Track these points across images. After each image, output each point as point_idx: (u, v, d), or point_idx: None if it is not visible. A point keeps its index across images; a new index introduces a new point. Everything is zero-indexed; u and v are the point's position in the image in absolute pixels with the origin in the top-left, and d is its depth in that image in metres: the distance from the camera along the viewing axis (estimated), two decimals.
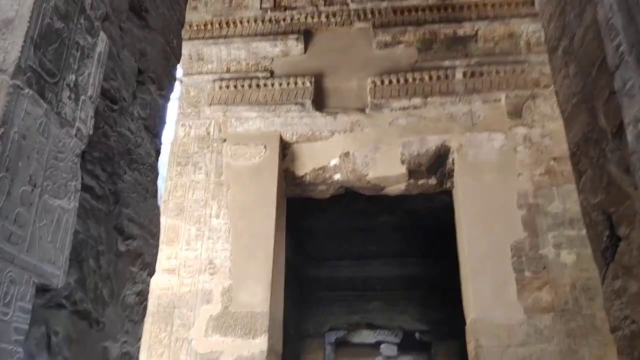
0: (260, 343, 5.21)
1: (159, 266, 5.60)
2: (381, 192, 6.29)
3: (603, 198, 2.73)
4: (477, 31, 6.17)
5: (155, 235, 3.25)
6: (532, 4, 5.75)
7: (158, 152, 3.27)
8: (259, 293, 5.42)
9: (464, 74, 6.04)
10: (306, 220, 8.79)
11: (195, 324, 5.36)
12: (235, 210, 5.82)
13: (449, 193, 7.42)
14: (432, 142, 5.90)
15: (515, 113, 5.88)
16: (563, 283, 5.16)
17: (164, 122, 3.22)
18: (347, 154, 6.01)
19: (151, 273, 3.11)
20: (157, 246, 3.31)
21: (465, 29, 6.18)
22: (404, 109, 6.06)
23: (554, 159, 5.64)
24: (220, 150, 6.12)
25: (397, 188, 6.18)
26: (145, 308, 3.03)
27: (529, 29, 6.06)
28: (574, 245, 5.28)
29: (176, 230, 5.78)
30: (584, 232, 5.38)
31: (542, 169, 5.62)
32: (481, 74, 6.03)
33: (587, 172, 3.01)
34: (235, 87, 6.29)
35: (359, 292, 10.65)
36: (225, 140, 6.16)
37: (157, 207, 3.31)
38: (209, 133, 6.25)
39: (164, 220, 5.86)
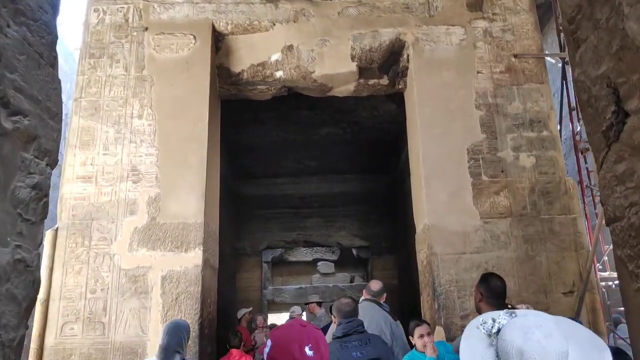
0: (194, 257, 4.64)
1: (71, 173, 4.83)
2: (328, 94, 5.67)
3: (610, 67, 2.24)
4: None
5: (55, 115, 2.51)
6: None
7: (55, 9, 2.53)
8: (192, 202, 4.78)
9: None
10: (241, 134, 8.09)
11: (117, 237, 4.68)
12: (162, 109, 5.04)
13: (397, 100, 6.94)
14: (386, 35, 5.28)
15: (475, 4, 5.33)
16: (521, 187, 4.85)
17: None
18: (290, 48, 5.30)
19: (52, 163, 2.41)
20: (59, 130, 2.56)
21: None
22: None
23: (515, 55, 5.19)
24: (142, 41, 5.23)
25: (345, 89, 5.57)
26: (45, 206, 2.36)
27: None
28: (534, 147, 4.95)
29: (91, 132, 4.96)
30: (544, 133, 5.07)
31: (502, 67, 5.17)
32: None
33: (588, 39, 2.49)
34: None
35: (296, 209, 10.24)
36: (147, 29, 5.27)
37: (58, 81, 2.55)
38: (127, 20, 5.32)
39: (76, 121, 5.03)
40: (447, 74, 5.15)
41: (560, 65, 6.64)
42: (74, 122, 4.99)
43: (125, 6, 5.36)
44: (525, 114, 5.04)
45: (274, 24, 5.33)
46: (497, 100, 5.06)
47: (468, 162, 4.89)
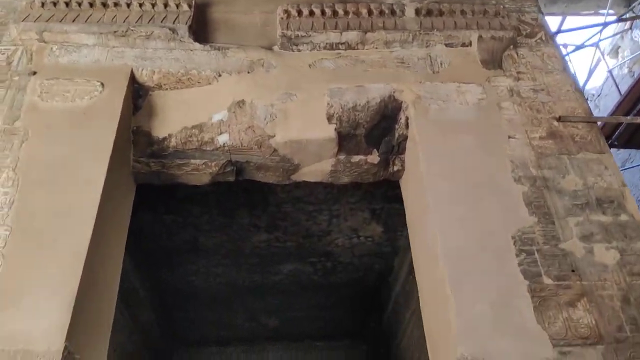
0: None
1: None
2: (294, 177, 3.96)
3: None
4: None
5: None
6: None
7: None
8: (48, 314, 2.69)
9: (417, 12, 4.15)
10: (174, 271, 6.12)
11: None
12: (31, 173, 3.21)
13: (384, 219, 5.31)
14: (376, 91, 3.78)
15: (493, 62, 4.00)
16: (607, 295, 2.96)
17: None
18: (241, 104, 3.72)
19: None
20: None
21: None
22: (332, 47, 3.99)
23: (558, 118, 3.70)
24: (24, 87, 3.60)
25: (319, 170, 3.89)
26: None
27: None
28: (612, 237, 3.18)
29: None
30: (622, 217, 3.29)
31: (542, 132, 3.64)
32: (441, 13, 4.17)
33: None
34: (67, 3, 3.95)
35: None
36: (34, 74, 3.67)
37: None
38: (10, 63, 3.75)
39: None
40: (466, 138, 3.57)
41: None
42: None
43: (12, 48, 3.83)
44: (589, 192, 3.37)
45: (220, 75, 3.82)
46: (544, 172, 3.43)
47: (517, 255, 3.05)
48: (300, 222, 5.43)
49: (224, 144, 3.69)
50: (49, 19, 3.84)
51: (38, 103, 3.51)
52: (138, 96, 3.80)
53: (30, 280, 2.81)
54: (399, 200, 4.76)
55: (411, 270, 5.60)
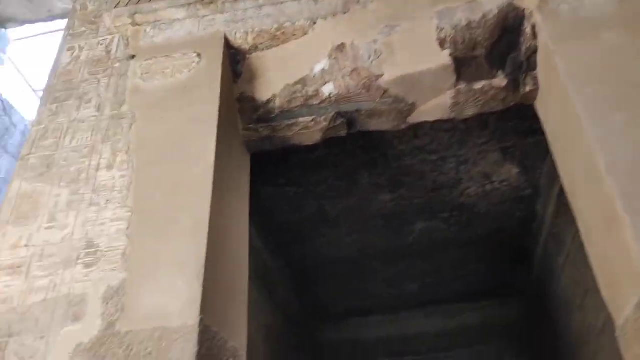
0: None
1: None
2: (410, 120, 3.58)
3: None
4: None
5: None
6: None
7: None
8: (178, 289, 2.59)
9: None
10: (305, 245, 6.00)
11: None
12: (143, 153, 3.15)
13: (519, 159, 4.78)
14: (491, 3, 3.28)
15: None
16: None
17: None
18: (341, 48, 3.41)
19: None
20: None
21: None
22: None
23: None
24: (125, 72, 3.57)
25: (436, 106, 3.47)
26: None
27: None
28: None
29: (35, 199, 3.09)
30: None
31: None
32: None
33: None
34: None
35: (399, 357, 7.49)
36: (133, 57, 3.64)
37: None
38: (109, 52, 3.75)
39: (16, 187, 3.19)
40: (610, 36, 2.96)
41: None
42: (12, 189, 3.17)
43: (109, 37, 3.83)
44: None
45: (314, 22, 3.53)
46: None
47: None
48: (425, 175, 5.03)
49: (329, 94, 3.41)
50: (138, 1, 3.79)
51: (140, 85, 3.46)
52: (236, 62, 3.64)
53: (157, 258, 2.74)
54: (533, 132, 4.24)
55: (559, 212, 5.00)
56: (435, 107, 3.48)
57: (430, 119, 3.59)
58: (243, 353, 2.94)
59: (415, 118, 3.56)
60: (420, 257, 6.35)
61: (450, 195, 5.36)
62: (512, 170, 5.08)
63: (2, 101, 6.51)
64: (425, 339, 7.48)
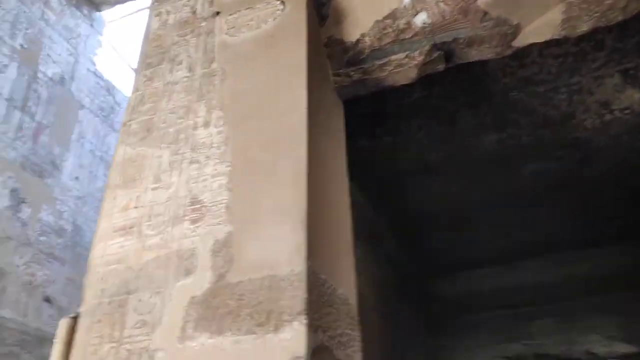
0: (291, 340, 2.27)
1: (108, 226, 2.89)
2: (515, 44, 3.24)
3: None
4: None
5: None
6: None
7: None
8: (283, 237, 2.54)
9: None
10: (407, 199, 5.81)
11: (163, 318, 2.58)
12: (236, 108, 3.11)
13: None
14: None
15: None
16: None
17: None
18: None
19: None
20: None
21: None
22: None
23: None
24: (212, 29, 3.54)
25: (546, 23, 3.09)
26: None
27: None
28: None
29: (139, 162, 3.17)
30: None
31: None
32: None
33: None
34: None
35: (515, 308, 7.14)
36: (218, 14, 3.59)
37: None
38: (194, 12, 3.73)
39: (121, 153, 3.29)
40: None
41: None
42: (118, 155, 3.28)
43: None
44: None
45: None
46: None
47: None
48: (534, 110, 4.61)
49: (423, 24, 3.17)
50: None
51: (227, 40, 3.42)
52: (321, 5, 3.49)
53: (260, 209, 2.70)
54: None
55: None
56: (543, 25, 3.13)
57: (539, 40, 3.23)
58: (354, 302, 2.86)
59: (521, 41, 3.22)
60: (531, 202, 5.93)
61: (563, 129, 4.89)
62: (634, 95, 4.53)
63: (105, 82, 6.84)
64: (541, 289, 7.06)
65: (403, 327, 6.39)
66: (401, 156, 5.22)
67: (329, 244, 2.77)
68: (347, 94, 3.57)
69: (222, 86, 3.23)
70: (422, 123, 4.79)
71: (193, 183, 2.93)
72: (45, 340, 5.73)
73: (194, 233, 2.76)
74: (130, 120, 3.39)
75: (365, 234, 5.34)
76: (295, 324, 2.30)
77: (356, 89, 3.55)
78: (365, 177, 5.25)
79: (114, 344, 2.60)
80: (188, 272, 2.65)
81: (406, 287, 6.62)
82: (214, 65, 3.34)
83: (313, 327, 2.32)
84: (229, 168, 2.90)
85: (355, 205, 3.47)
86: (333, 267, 2.73)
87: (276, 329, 2.32)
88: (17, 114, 6.23)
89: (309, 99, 2.97)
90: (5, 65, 6.19)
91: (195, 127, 3.14)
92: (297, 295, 2.36)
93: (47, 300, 6.41)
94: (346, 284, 2.82)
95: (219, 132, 3.06)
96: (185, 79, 3.39)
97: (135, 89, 3.54)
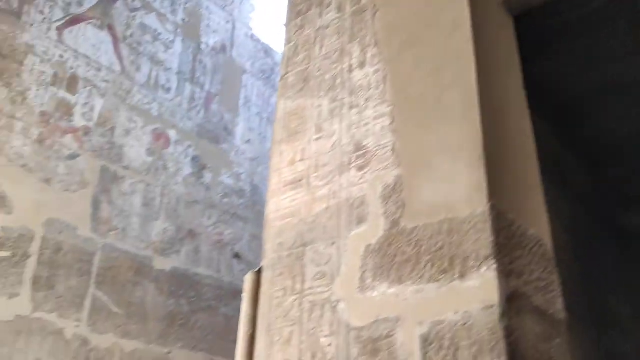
0: (481, 287, 2.03)
1: (278, 181, 2.96)
2: None
3: None
4: None
5: None
6: None
7: None
8: (459, 174, 2.29)
9: None
10: (591, 125, 5.07)
11: (341, 268, 2.51)
12: (391, 41, 2.86)
13: None
14: None
15: None
16: None
17: None
18: None
19: None
20: None
21: None
22: None
23: None
24: None
25: None
26: None
27: None
28: None
29: (299, 114, 3.11)
30: None
31: None
32: None
33: None
34: None
35: None
36: None
37: None
38: None
39: (282, 108, 3.27)
40: None
41: None
42: (279, 110, 3.26)
43: None
44: None
45: None
46: None
47: None
48: None
49: None
50: None
51: None
52: None
53: (428, 147, 2.46)
54: None
55: None
56: None
57: None
58: (548, 242, 2.52)
59: None
60: None
61: None
62: None
63: (263, 45, 6.99)
64: None
65: (598, 267, 5.75)
66: (584, 78, 4.53)
67: (514, 179, 2.45)
68: (517, 7, 3.10)
69: (374, 21, 3.00)
70: (606, 36, 4.07)
71: (355, 128, 2.78)
72: (239, 294, 6.19)
73: (361, 180, 2.62)
74: (286, 74, 3.34)
75: (551, 169, 4.79)
76: (484, 269, 2.06)
77: (528, 0, 3.07)
78: (546, 105, 4.68)
79: (296, 296, 2.60)
80: (360, 221, 2.53)
81: (598, 222, 5.91)
82: (364, 1, 3.11)
83: (505, 272, 2.06)
84: (389, 108, 2.69)
85: (536, 136, 3.06)
86: (520, 205, 2.41)
87: (462, 276, 2.10)
88: (188, 86, 6.66)
89: (473, 17, 2.62)
90: (172, 41, 6.62)
91: (350, 70, 2.97)
92: (482, 239, 2.11)
93: (236, 256, 6.90)
94: (538, 224, 2.48)
95: (376, 71, 2.84)
96: (335, 21, 3.22)
97: (288, 41, 3.46)
